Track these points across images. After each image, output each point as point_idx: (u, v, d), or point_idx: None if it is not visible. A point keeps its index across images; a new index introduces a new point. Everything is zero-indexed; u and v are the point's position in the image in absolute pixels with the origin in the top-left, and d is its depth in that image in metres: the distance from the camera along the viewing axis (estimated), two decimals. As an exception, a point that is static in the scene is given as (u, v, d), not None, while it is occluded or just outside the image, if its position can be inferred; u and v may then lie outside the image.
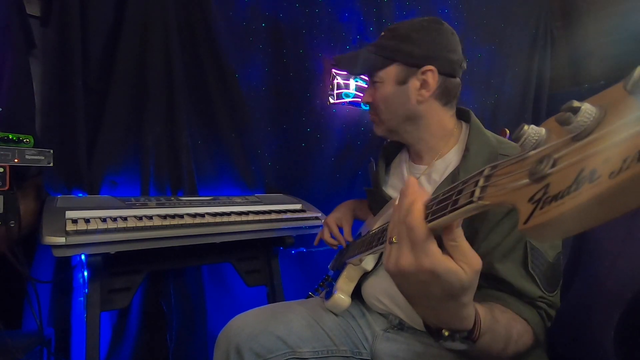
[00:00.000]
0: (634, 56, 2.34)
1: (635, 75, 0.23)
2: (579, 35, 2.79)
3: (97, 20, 1.35)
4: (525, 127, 0.29)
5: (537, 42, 2.85)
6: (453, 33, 0.79)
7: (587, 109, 0.25)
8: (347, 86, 1.99)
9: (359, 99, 2.03)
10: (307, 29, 1.84)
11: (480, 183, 0.34)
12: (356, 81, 2.01)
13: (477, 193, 0.33)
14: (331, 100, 1.95)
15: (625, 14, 2.40)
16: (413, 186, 0.42)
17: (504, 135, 2.18)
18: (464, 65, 0.80)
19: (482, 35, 2.56)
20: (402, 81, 0.77)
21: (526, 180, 0.28)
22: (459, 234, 0.39)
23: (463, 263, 0.39)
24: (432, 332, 0.48)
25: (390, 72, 0.78)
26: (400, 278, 0.42)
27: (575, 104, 0.26)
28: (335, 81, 1.95)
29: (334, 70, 1.94)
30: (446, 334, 0.45)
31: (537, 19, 2.85)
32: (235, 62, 1.64)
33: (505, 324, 0.56)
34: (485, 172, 0.34)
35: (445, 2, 2.39)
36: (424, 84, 0.76)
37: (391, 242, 0.42)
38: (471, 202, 0.33)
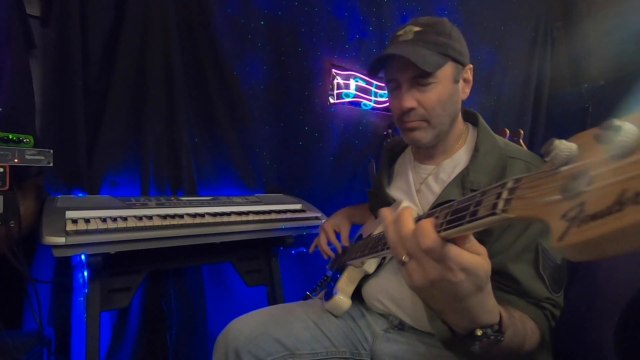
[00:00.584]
0: (634, 56, 2.34)
1: None
2: (579, 35, 2.79)
3: (97, 20, 1.35)
4: (556, 141, 0.29)
5: (537, 42, 2.85)
6: None
7: (629, 129, 0.24)
8: (347, 86, 1.99)
9: (359, 99, 2.03)
10: (306, 28, 1.84)
11: (504, 195, 0.33)
12: (356, 81, 2.01)
13: (500, 205, 0.33)
14: (331, 100, 1.95)
15: (625, 14, 2.40)
16: (403, 211, 0.44)
17: (504, 135, 2.18)
18: None
19: (482, 36, 2.56)
20: (456, 79, 0.76)
21: (558, 196, 0.27)
22: (471, 237, 0.41)
23: (480, 254, 0.42)
24: (464, 338, 0.48)
25: (447, 71, 0.74)
26: (431, 290, 0.43)
27: (617, 122, 0.25)
28: (335, 81, 1.95)
29: (333, 70, 1.94)
30: (479, 333, 0.46)
31: (537, 19, 2.85)
32: (235, 62, 1.64)
33: (519, 319, 0.57)
34: (509, 185, 0.34)
35: (445, 3, 2.39)
36: (466, 81, 0.78)
37: (403, 263, 0.43)
38: (494, 214, 0.33)
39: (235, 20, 1.65)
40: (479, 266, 0.41)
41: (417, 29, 0.74)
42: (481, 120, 0.81)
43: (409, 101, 0.74)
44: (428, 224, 0.40)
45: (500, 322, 0.48)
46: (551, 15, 2.94)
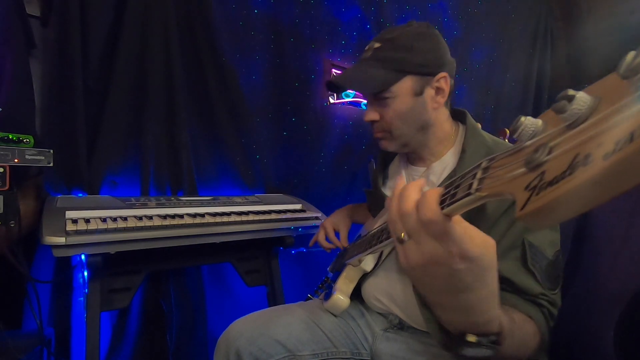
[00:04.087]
0: (634, 56, 2.34)
1: (628, 59, 0.24)
2: (579, 35, 2.79)
3: (97, 20, 1.35)
4: (522, 118, 0.30)
5: (537, 42, 2.86)
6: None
7: (582, 97, 0.26)
8: (347, 86, 1.99)
9: (359, 99, 2.03)
10: (306, 28, 1.84)
11: (478, 175, 0.34)
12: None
13: (474, 185, 0.33)
14: (331, 100, 1.96)
15: (625, 14, 2.40)
16: (412, 183, 0.40)
17: (504, 135, 2.18)
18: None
19: (482, 37, 2.56)
20: (419, 92, 0.76)
21: (522, 170, 0.28)
22: (459, 218, 0.38)
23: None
24: (454, 340, 0.45)
25: (405, 85, 0.75)
26: (424, 274, 0.39)
27: (570, 92, 0.26)
28: (335, 81, 1.95)
29: (333, 70, 1.94)
30: (472, 339, 0.43)
31: (537, 19, 2.85)
32: (235, 62, 1.64)
33: (520, 324, 0.55)
34: (483, 165, 0.34)
35: (445, 4, 2.39)
36: (438, 91, 0.77)
37: (401, 241, 0.39)
38: (469, 194, 0.33)
39: (236, 20, 1.65)
40: (484, 253, 0.37)
41: (377, 45, 0.77)
42: (469, 118, 0.80)
43: (370, 115, 0.79)
44: (434, 194, 0.37)
45: (498, 333, 0.45)
46: (551, 15, 2.94)
